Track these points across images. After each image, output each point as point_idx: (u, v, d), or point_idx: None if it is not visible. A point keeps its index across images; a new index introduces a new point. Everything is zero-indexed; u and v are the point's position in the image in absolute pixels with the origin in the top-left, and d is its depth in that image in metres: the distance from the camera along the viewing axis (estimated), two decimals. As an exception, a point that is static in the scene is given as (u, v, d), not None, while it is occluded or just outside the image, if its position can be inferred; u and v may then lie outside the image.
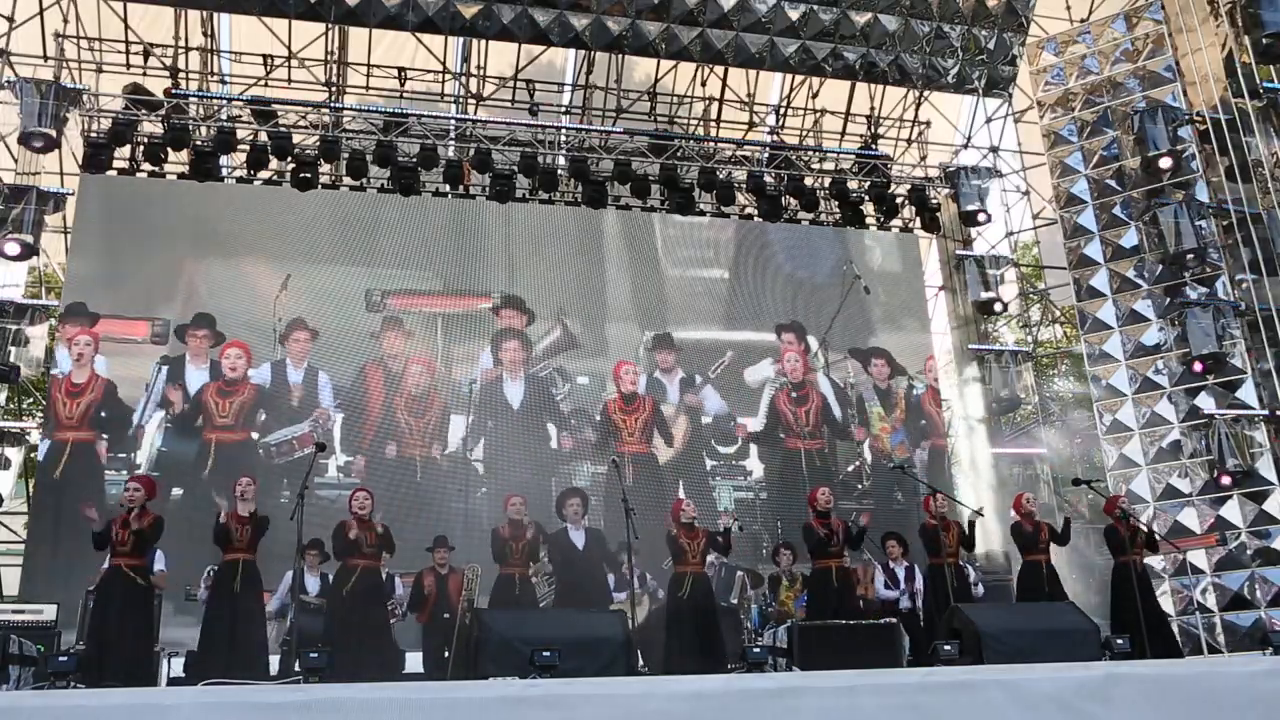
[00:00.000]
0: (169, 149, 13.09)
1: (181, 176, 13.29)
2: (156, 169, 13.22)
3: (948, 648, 6.24)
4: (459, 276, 13.70)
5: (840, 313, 14.80)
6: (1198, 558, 13.50)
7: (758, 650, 6.39)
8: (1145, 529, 9.90)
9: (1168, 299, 14.31)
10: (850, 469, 14.17)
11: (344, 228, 13.49)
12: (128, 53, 13.81)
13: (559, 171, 14.21)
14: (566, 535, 8.85)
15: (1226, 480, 13.36)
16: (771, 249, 15.05)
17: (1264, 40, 13.76)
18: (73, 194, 12.87)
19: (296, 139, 13.41)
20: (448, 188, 14.03)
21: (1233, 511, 13.43)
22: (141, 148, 13.21)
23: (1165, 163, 14.40)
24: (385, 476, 12.24)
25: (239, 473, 9.62)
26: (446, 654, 9.15)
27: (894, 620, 8.28)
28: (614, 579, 10.28)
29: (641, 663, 8.66)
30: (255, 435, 12.34)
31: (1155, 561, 12.91)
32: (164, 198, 13.13)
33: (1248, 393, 13.72)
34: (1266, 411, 13.58)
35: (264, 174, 13.65)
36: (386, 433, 12.71)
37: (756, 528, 13.33)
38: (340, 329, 13.00)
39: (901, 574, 9.93)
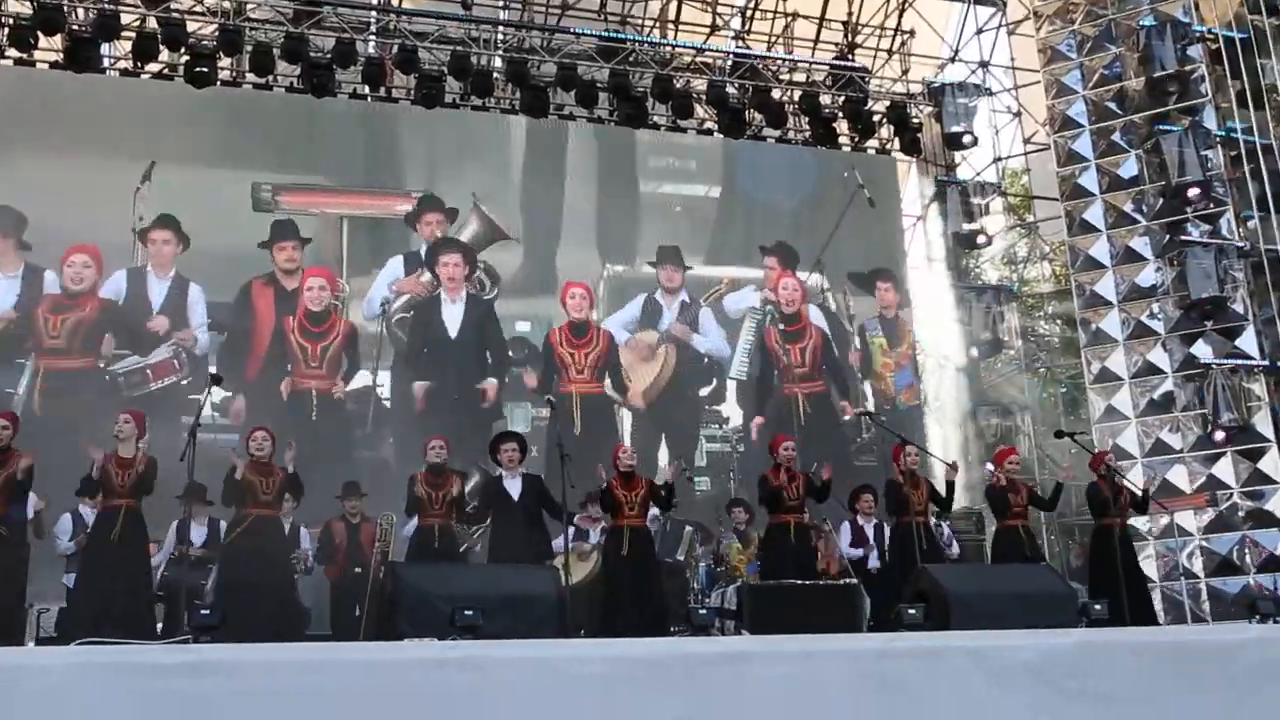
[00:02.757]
0: (39, 33, 12.64)
1: (54, 66, 12.84)
2: (25, 56, 12.78)
3: (912, 611, 6.33)
4: (373, 172, 13.06)
5: (839, 229, 14.33)
6: (1185, 519, 13.84)
7: (704, 612, 6.46)
8: (1133, 489, 10.08)
9: (1166, 236, 14.49)
10: (848, 418, 13.80)
11: (232, 121, 12.75)
12: (-8, -81, 13.27)
13: (494, 75, 13.97)
14: (500, 483, 8.80)
15: (1220, 436, 13.67)
16: (754, 166, 14.78)
17: (1284, -50, 13.85)
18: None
19: (192, 28, 13.00)
20: (366, 89, 13.73)
21: (1225, 470, 13.75)
22: (6, 30, 12.75)
23: (1171, 85, 14.50)
24: (273, 415, 11.10)
25: (75, 408, 9.21)
26: (357, 612, 9.15)
27: (854, 580, 8.41)
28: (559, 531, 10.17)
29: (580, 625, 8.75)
30: (103, 364, 11.58)
31: (1140, 522, 13.21)
32: (33, 89, 12.60)
33: (1248, 341, 13.98)
34: (1267, 362, 13.87)
35: (154, 66, 13.26)
36: (276, 363, 11.99)
37: (731, 485, 12.86)
38: (218, 233, 12.16)
39: (871, 531, 10.03)
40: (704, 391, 13.57)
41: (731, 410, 13.55)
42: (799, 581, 8.33)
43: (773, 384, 13.67)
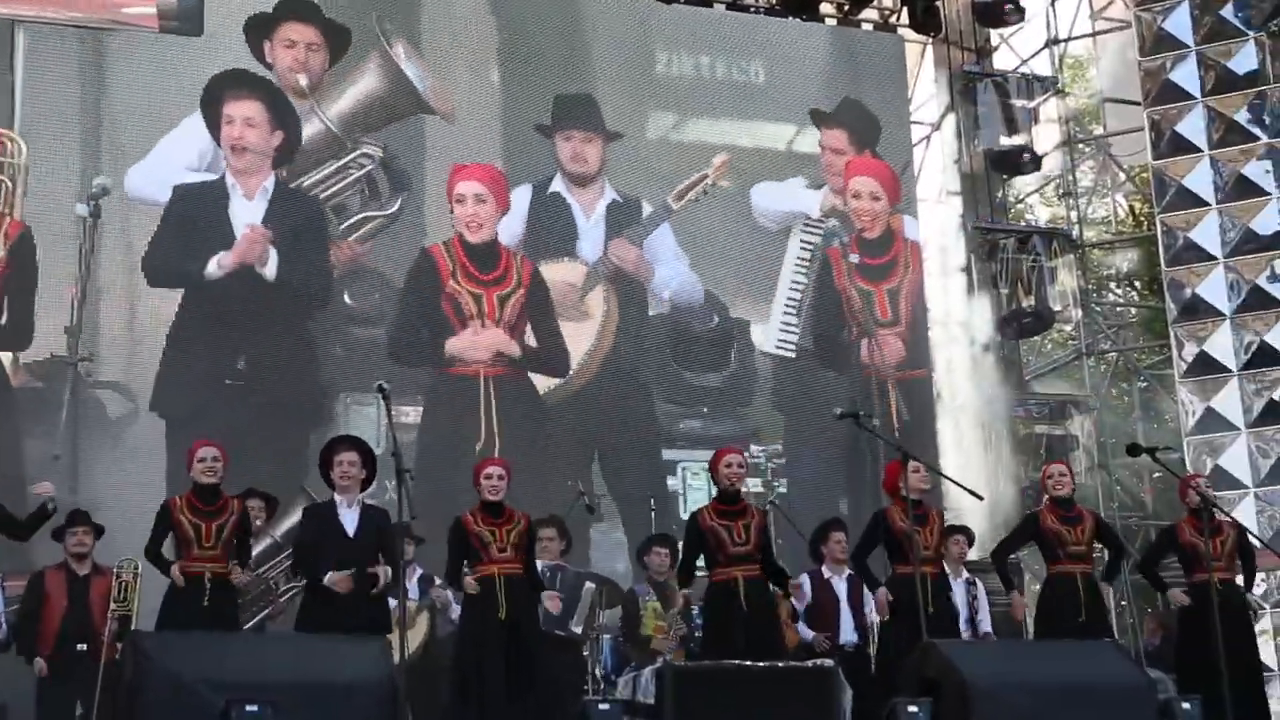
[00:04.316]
0: None
1: None
2: None
3: (914, 709, 6.40)
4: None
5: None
6: (1316, 577, 14.10)
7: (606, 708, 6.47)
8: (1237, 530, 10.20)
9: (1297, 161, 14.73)
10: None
11: None
12: None
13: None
14: (332, 513, 8.64)
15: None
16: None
17: None
18: None
19: None
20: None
21: (1378, 506, 14.05)
22: None
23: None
24: None
25: None
26: (79, 710, 9.02)
27: (829, 663, 8.46)
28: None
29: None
30: None
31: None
32: None
33: None
34: None
35: None
36: None
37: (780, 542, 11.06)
38: None
39: (844, 588, 10.00)
40: (710, 379, 12.03)
41: (764, 413, 12.20)
42: (746, 663, 8.35)
43: (833, 358, 12.31)
